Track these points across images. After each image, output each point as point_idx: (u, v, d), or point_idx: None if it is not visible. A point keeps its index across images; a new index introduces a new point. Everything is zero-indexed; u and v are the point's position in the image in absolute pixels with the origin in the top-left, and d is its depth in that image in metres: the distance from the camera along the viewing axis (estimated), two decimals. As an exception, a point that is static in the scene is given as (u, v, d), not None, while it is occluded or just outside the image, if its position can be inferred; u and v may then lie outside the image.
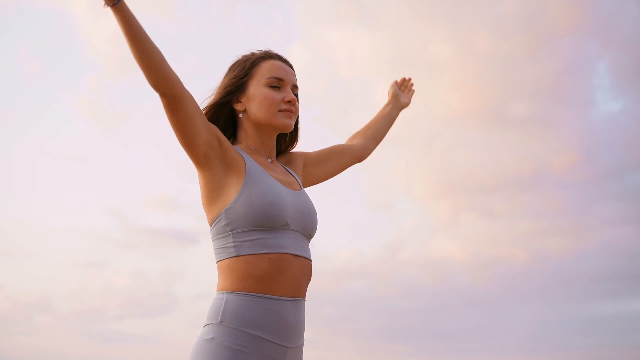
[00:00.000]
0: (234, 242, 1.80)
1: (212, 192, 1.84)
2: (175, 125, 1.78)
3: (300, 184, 2.02)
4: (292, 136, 2.12)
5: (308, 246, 1.90)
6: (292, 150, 2.15)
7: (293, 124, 1.97)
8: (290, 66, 2.02)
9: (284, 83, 1.96)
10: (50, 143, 8.44)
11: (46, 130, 8.41)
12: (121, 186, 8.35)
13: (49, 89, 8.30)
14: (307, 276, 1.87)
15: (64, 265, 8.47)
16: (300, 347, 1.86)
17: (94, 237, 8.53)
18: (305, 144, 2.21)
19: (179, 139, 1.81)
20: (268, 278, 1.78)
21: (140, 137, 8.17)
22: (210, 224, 1.86)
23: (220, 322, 1.76)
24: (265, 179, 1.85)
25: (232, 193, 1.81)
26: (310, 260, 1.89)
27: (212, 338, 1.74)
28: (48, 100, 8.37)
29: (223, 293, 1.80)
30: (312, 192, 2.00)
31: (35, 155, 8.39)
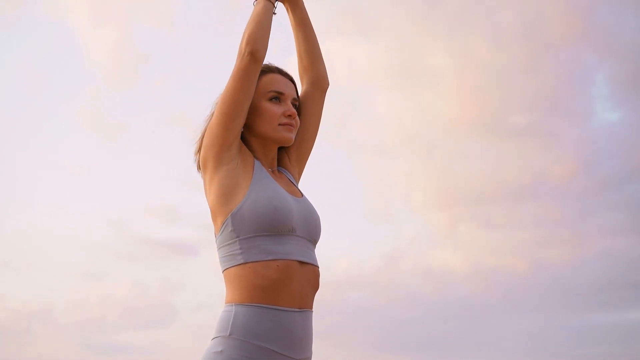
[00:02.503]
0: (240, 248, 1.81)
1: (226, 190, 1.84)
2: (237, 92, 1.86)
3: (301, 191, 2.04)
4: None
5: (314, 252, 1.91)
6: None
7: (294, 137, 1.99)
8: (291, 79, 2.04)
9: (284, 97, 1.98)
10: (50, 154, 8.47)
11: (47, 142, 8.44)
12: (121, 197, 8.37)
13: (48, 100, 8.34)
14: (313, 285, 1.87)
15: (64, 275, 8.47)
16: (308, 359, 1.86)
17: (93, 248, 8.54)
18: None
19: (224, 114, 1.86)
20: (275, 287, 1.79)
21: (139, 147, 8.19)
22: (217, 231, 1.87)
23: (229, 335, 1.76)
24: (271, 185, 1.87)
25: (241, 195, 1.83)
26: (317, 267, 1.90)
27: (221, 351, 1.75)
28: (48, 111, 8.41)
29: (232, 305, 1.80)
30: (311, 201, 2.02)
31: (36, 167, 8.41)
